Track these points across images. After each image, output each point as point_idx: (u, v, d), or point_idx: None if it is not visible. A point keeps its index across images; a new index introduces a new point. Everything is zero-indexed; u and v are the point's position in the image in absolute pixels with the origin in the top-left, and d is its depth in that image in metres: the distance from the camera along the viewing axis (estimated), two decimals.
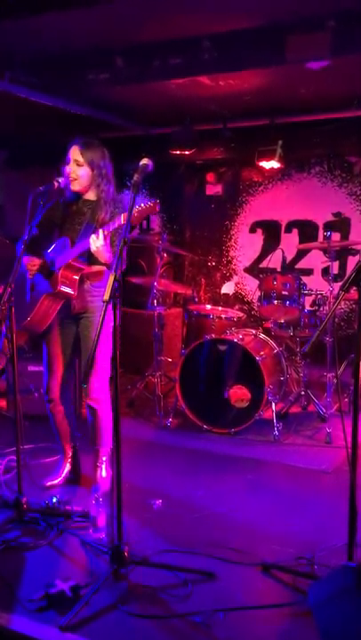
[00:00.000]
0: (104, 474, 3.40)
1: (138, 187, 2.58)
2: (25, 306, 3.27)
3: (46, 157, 3.33)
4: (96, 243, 2.98)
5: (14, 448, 3.06)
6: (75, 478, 3.53)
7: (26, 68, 4.71)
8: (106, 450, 3.43)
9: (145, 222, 7.03)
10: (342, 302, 5.86)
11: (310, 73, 4.45)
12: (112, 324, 3.26)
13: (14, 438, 3.01)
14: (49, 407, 3.44)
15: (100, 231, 2.98)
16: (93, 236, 2.99)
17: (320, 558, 2.67)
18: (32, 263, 3.26)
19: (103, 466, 3.41)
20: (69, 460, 3.52)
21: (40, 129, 6.09)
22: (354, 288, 2.13)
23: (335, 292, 4.42)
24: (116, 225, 2.94)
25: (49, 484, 3.41)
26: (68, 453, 3.52)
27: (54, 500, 3.15)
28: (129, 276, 5.41)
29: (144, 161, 2.62)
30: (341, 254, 5.94)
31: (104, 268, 3.26)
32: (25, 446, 3.56)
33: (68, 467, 3.52)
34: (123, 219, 2.87)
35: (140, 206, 2.77)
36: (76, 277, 3.20)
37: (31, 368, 4.62)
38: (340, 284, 2.42)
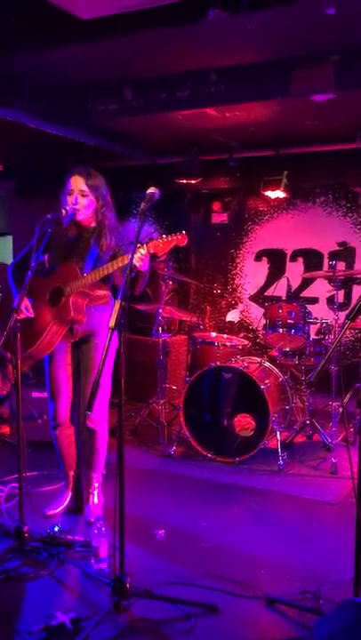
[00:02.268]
0: (96, 500, 3.38)
1: (145, 215, 2.61)
2: (30, 332, 3.25)
3: (53, 186, 3.38)
4: (142, 257, 2.78)
5: (16, 475, 3.03)
6: (76, 507, 3.48)
7: (35, 98, 4.81)
8: (98, 476, 3.41)
9: None
10: (347, 331, 5.85)
11: (315, 105, 4.53)
12: (114, 347, 3.28)
13: (17, 465, 2.99)
14: (55, 433, 3.41)
15: (144, 246, 2.78)
16: (137, 256, 2.73)
17: (325, 592, 2.62)
18: (25, 307, 3.14)
19: (95, 492, 3.39)
20: (71, 488, 3.49)
21: (47, 159, 6.19)
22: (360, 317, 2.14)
23: (340, 320, 4.42)
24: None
25: (50, 512, 3.37)
26: (70, 482, 3.49)
27: (56, 529, 3.12)
28: (134, 303, 5.43)
29: (151, 190, 2.64)
30: (346, 283, 5.96)
31: (107, 292, 3.30)
32: (27, 473, 3.54)
33: (69, 495, 3.48)
34: (145, 248, 2.75)
35: (166, 238, 2.70)
36: (85, 303, 3.22)
37: (35, 394, 4.61)
38: (345, 312, 2.43)
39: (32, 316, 3.18)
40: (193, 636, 2.37)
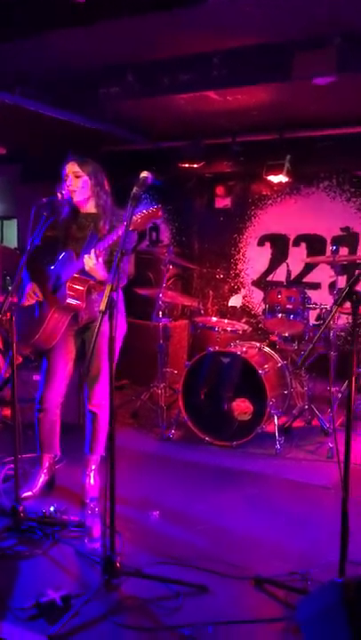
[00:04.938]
0: (92, 481, 3.42)
1: (137, 199, 2.61)
2: (34, 320, 3.30)
3: (58, 171, 3.40)
4: (89, 262, 3.04)
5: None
6: (48, 490, 3.52)
7: (38, 82, 4.80)
8: (96, 458, 3.45)
9: (154, 234, 7.09)
10: (348, 317, 5.84)
11: (318, 89, 4.48)
12: (120, 331, 3.32)
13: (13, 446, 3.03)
14: (38, 416, 3.46)
15: (93, 250, 3.03)
16: (86, 256, 3.04)
17: (314, 574, 2.65)
18: (33, 292, 3.29)
19: (92, 474, 3.43)
20: (45, 471, 3.51)
21: (52, 143, 6.18)
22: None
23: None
24: (115, 238, 2.98)
25: (24, 495, 3.35)
26: (44, 465, 3.52)
27: (51, 509, 3.17)
28: (136, 288, 5.45)
29: (143, 174, 2.64)
30: (349, 269, 5.93)
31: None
32: (27, 455, 3.59)
33: (43, 478, 3.50)
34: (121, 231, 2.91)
35: (142, 212, 2.75)
36: (83, 289, 3.22)
37: (36, 377, 4.64)
38: None
39: (41, 299, 3.28)
40: (180, 614, 2.41)
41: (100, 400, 3.38)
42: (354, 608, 1.75)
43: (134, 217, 2.67)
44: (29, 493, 3.40)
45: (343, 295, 2.13)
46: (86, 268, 3.06)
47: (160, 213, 2.79)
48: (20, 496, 3.30)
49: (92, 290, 3.28)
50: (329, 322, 2.21)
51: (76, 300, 3.20)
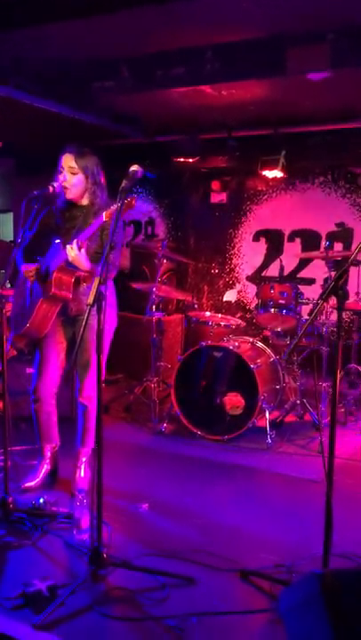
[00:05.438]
0: (82, 474, 3.44)
1: (126, 193, 2.62)
2: (25, 311, 3.32)
3: (53, 164, 3.40)
4: (71, 253, 3.04)
5: (9, 448, 3.10)
6: (52, 481, 3.55)
7: (32, 75, 4.79)
8: (87, 451, 3.47)
9: (150, 228, 7.10)
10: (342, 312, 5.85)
11: (313, 84, 4.48)
12: (110, 325, 3.34)
13: (3, 438, 3.05)
14: (34, 407, 3.48)
15: (75, 241, 3.03)
16: (68, 246, 3.04)
17: (299, 566, 2.68)
18: (28, 270, 3.31)
19: (82, 466, 3.45)
20: (47, 462, 3.54)
21: (48, 136, 6.17)
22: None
23: (333, 301, 4.42)
24: (95, 228, 2.98)
25: (25, 485, 3.40)
26: (46, 455, 3.54)
27: (41, 500, 3.19)
28: (131, 282, 5.46)
29: (133, 167, 2.65)
30: (343, 264, 5.93)
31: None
32: (20, 447, 3.65)
33: (45, 468, 3.53)
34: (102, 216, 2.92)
35: (116, 205, 2.76)
36: (71, 280, 3.23)
37: (30, 370, 4.65)
38: None
39: (35, 275, 3.29)
40: (166, 605, 2.43)
41: (90, 392, 3.40)
42: (332, 598, 1.77)
43: (111, 208, 2.72)
44: (31, 484, 3.44)
45: (328, 290, 2.14)
46: (69, 258, 3.06)
47: (134, 203, 2.78)
48: (21, 486, 3.37)
49: (82, 281, 3.28)
50: (314, 317, 2.22)
51: (63, 290, 3.21)
